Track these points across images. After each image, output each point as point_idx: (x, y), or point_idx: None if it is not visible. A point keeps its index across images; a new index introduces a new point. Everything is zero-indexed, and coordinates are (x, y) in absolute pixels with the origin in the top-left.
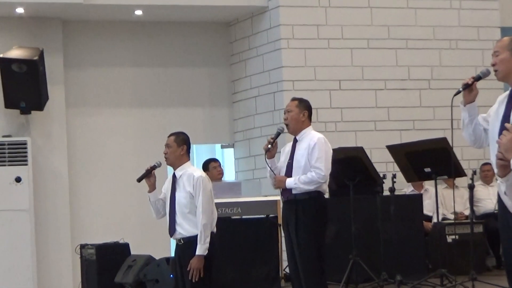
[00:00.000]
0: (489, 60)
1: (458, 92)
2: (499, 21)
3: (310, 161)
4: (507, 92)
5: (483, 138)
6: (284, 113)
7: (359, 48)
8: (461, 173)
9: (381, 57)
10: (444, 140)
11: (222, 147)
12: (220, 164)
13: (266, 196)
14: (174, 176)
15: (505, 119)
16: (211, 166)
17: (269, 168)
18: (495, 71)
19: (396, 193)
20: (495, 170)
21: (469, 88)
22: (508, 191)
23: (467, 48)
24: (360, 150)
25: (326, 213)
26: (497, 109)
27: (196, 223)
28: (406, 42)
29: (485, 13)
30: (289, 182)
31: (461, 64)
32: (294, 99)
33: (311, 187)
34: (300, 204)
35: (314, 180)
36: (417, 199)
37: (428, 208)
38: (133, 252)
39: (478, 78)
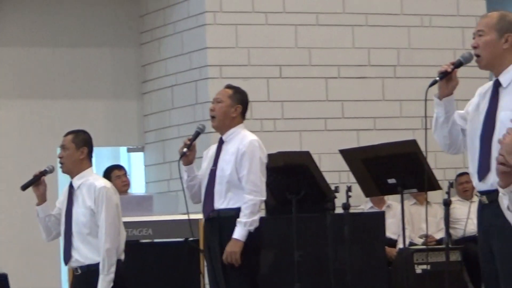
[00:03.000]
0: (471, 41)
1: (434, 82)
2: None
3: (238, 172)
4: (490, 83)
5: (461, 141)
6: (212, 103)
7: (306, 25)
8: (434, 185)
9: (333, 37)
10: (413, 143)
11: (129, 150)
12: (125, 173)
13: (184, 214)
14: (71, 186)
15: (489, 118)
16: (113, 175)
17: (185, 177)
18: (477, 55)
19: (352, 210)
20: (474, 182)
21: (447, 77)
22: None
23: (444, 26)
24: (306, 155)
25: (261, 236)
26: (478, 104)
27: (98, 248)
28: (365, 17)
29: None
30: (239, 233)
31: (435, 46)
32: (228, 86)
33: (259, 212)
34: (225, 224)
35: (257, 203)
36: (377, 218)
37: (391, 229)
38: (12, 286)
39: (458, 64)
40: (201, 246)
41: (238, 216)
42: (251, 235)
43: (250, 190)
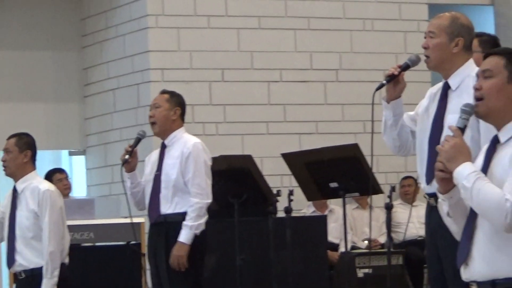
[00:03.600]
0: (414, 45)
1: (381, 86)
2: None
3: (183, 176)
4: (440, 85)
5: (410, 144)
6: (150, 109)
7: (248, 29)
8: (376, 189)
9: (276, 40)
10: (355, 147)
11: (71, 154)
12: (67, 176)
13: (126, 217)
14: (14, 190)
15: (437, 120)
16: (55, 178)
17: (128, 184)
18: (426, 56)
19: (294, 214)
20: (422, 185)
21: (394, 80)
22: (453, 212)
23: (386, 30)
24: (248, 159)
25: (204, 240)
26: (427, 107)
27: (42, 251)
28: (308, 21)
29: None
30: (185, 237)
31: (377, 50)
32: (164, 92)
33: (205, 215)
34: (171, 228)
35: (203, 206)
36: (319, 223)
37: (333, 233)
38: None
39: (405, 67)
40: (143, 250)
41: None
42: (197, 239)
43: (195, 193)
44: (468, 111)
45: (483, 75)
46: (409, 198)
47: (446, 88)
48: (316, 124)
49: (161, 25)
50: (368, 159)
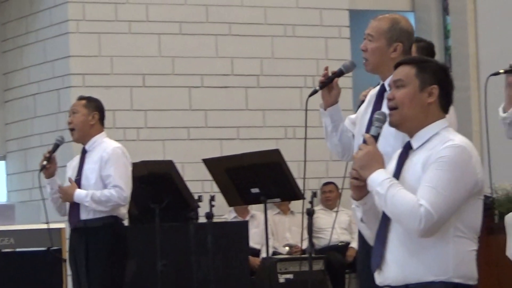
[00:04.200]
0: (335, 51)
1: (314, 92)
2: (347, 2)
3: (103, 180)
4: (378, 88)
5: (353, 148)
6: (69, 116)
7: (169, 34)
8: (297, 195)
9: (197, 46)
10: (276, 153)
11: None
12: None
13: (47, 223)
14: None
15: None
16: None
17: (48, 190)
18: (365, 59)
19: (215, 220)
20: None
21: (329, 86)
22: (366, 218)
23: (307, 36)
24: (170, 164)
25: (125, 245)
26: (366, 109)
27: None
28: (229, 26)
29: None
30: (79, 195)
31: (299, 55)
32: (81, 98)
33: (106, 208)
34: (91, 234)
35: (113, 200)
36: (241, 228)
37: (255, 239)
38: None
39: (339, 74)
40: (64, 256)
41: (105, 226)
42: (117, 243)
43: (115, 190)
44: (381, 119)
45: (395, 84)
46: (331, 204)
47: (383, 90)
48: (237, 129)
49: (82, 30)
50: (290, 165)
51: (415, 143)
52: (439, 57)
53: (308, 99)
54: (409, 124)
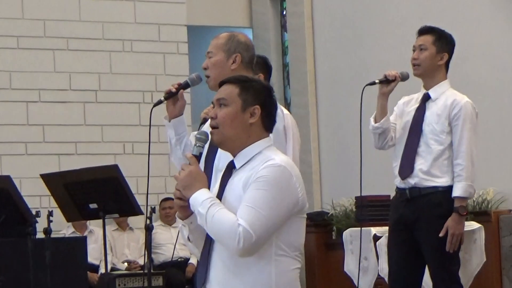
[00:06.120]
0: (173, 66)
1: (159, 102)
2: (185, 18)
3: None
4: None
5: None
6: None
7: (7, 48)
8: (136, 210)
9: (34, 60)
10: (114, 168)
11: None
12: None
13: None
14: None
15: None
16: None
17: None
18: (207, 76)
19: (53, 235)
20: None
21: (174, 98)
22: (193, 237)
23: (145, 51)
24: (7, 179)
25: None
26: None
27: None
28: (67, 41)
29: (167, 7)
30: None
31: (137, 71)
32: None
33: None
34: None
35: None
36: (79, 244)
37: (93, 255)
38: None
39: (185, 86)
40: None
41: None
42: None
43: None
44: (203, 139)
45: (218, 103)
46: (170, 219)
47: None
48: (75, 144)
49: None
50: (130, 180)
51: (238, 163)
52: (277, 74)
53: (152, 110)
54: (230, 144)
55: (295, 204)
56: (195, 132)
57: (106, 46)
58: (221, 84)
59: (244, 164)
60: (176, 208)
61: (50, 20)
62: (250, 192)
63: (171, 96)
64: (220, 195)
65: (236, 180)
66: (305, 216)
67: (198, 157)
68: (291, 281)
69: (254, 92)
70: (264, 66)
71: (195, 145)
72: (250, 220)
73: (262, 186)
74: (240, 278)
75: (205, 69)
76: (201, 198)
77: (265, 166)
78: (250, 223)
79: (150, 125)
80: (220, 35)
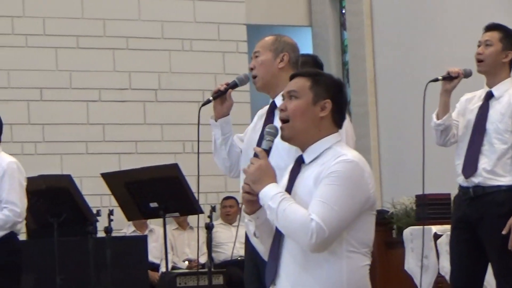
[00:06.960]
0: (232, 65)
1: (208, 102)
2: (244, 17)
3: None
4: (267, 106)
5: (241, 164)
6: None
7: (66, 48)
8: (196, 209)
9: (94, 60)
10: (174, 167)
11: None
12: None
13: None
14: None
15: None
16: None
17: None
18: (254, 77)
19: (114, 234)
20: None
21: (221, 98)
22: (259, 232)
23: (205, 50)
24: (67, 179)
25: (20, 260)
26: (255, 126)
27: None
28: (126, 41)
29: (227, 6)
30: None
31: (196, 70)
32: None
33: (5, 231)
34: None
35: (10, 220)
36: (140, 242)
37: (154, 253)
38: None
39: (233, 86)
40: None
41: (1, 241)
42: (9, 259)
43: (9, 209)
44: (273, 133)
45: (288, 95)
46: (231, 218)
47: (273, 107)
48: (135, 144)
49: None
50: (188, 178)
51: (307, 157)
52: (336, 72)
53: (200, 109)
54: (301, 138)
55: (366, 200)
56: (240, 134)
57: (166, 45)
58: (292, 77)
59: (313, 159)
60: (244, 202)
61: (110, 20)
62: (322, 187)
63: (220, 96)
64: (289, 190)
65: (306, 175)
66: (375, 212)
67: (267, 151)
68: (362, 278)
69: (325, 86)
70: (314, 64)
71: (265, 139)
72: (323, 215)
73: (335, 181)
74: (312, 274)
75: (251, 69)
76: (271, 193)
77: (338, 162)
78: (323, 218)
79: (198, 124)
80: (266, 37)
